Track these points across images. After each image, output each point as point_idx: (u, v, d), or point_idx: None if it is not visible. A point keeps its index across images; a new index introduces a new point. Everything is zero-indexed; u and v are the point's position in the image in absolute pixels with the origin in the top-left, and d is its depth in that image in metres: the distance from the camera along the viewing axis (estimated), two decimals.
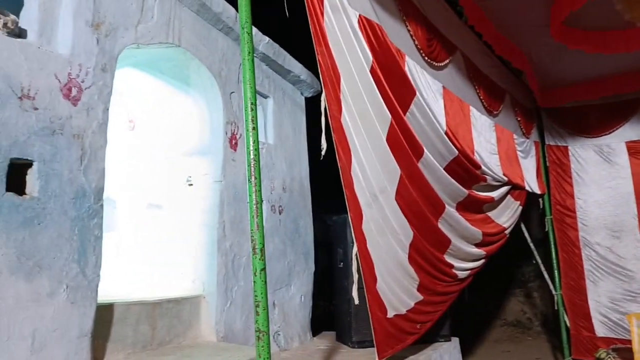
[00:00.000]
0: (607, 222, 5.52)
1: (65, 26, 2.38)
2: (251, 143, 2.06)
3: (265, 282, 1.99)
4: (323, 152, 2.62)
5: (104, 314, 2.55)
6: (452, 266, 3.87)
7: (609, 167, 5.58)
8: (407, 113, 3.25)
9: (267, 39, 3.80)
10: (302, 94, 4.49)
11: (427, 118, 3.41)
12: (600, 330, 5.44)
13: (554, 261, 5.77)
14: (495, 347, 6.83)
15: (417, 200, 3.31)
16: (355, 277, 2.92)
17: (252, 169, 2.04)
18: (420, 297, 3.41)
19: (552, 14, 3.99)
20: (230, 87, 3.49)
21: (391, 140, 3.04)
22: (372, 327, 2.88)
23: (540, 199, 5.85)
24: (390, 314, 3.06)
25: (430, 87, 3.58)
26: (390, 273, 3.06)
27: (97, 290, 2.40)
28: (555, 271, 5.74)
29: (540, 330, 7.21)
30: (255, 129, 2.07)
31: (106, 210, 2.55)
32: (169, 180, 3.55)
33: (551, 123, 5.98)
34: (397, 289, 3.14)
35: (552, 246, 5.80)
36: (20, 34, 2.21)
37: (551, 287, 5.80)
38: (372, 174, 2.90)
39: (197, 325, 3.18)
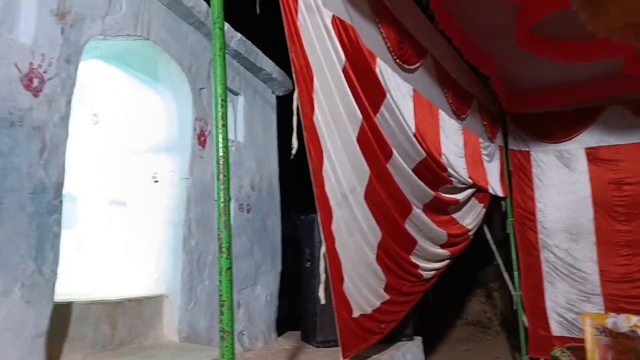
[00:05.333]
0: (565, 226, 5.68)
1: (28, 14, 2.28)
2: (220, 140, 2.03)
3: (231, 281, 1.96)
4: (294, 152, 2.60)
5: (62, 313, 2.47)
6: (417, 266, 3.93)
7: (569, 172, 5.74)
8: (378, 114, 3.27)
9: (239, 35, 3.75)
10: (273, 92, 4.46)
11: (397, 120, 3.45)
12: (556, 330, 5.61)
13: (514, 262, 5.90)
14: (457, 346, 6.96)
15: (385, 201, 3.34)
16: (323, 277, 2.92)
17: (221, 166, 2.00)
18: (386, 297, 3.44)
19: (519, 22, 4.10)
20: (200, 83, 3.43)
21: (361, 140, 3.06)
22: (337, 326, 2.89)
23: (502, 202, 5.98)
24: (356, 313, 3.08)
25: (400, 89, 3.62)
26: (358, 273, 3.08)
27: (54, 289, 2.31)
28: (515, 272, 5.87)
29: (499, 329, 7.38)
30: (225, 126, 2.04)
31: (67, 207, 2.47)
32: (134, 176, 3.46)
33: (515, 128, 6.11)
34: (364, 289, 3.16)
35: (513, 248, 5.93)
36: None
37: (511, 287, 5.93)
38: (342, 174, 2.91)
39: (159, 325, 3.12)
